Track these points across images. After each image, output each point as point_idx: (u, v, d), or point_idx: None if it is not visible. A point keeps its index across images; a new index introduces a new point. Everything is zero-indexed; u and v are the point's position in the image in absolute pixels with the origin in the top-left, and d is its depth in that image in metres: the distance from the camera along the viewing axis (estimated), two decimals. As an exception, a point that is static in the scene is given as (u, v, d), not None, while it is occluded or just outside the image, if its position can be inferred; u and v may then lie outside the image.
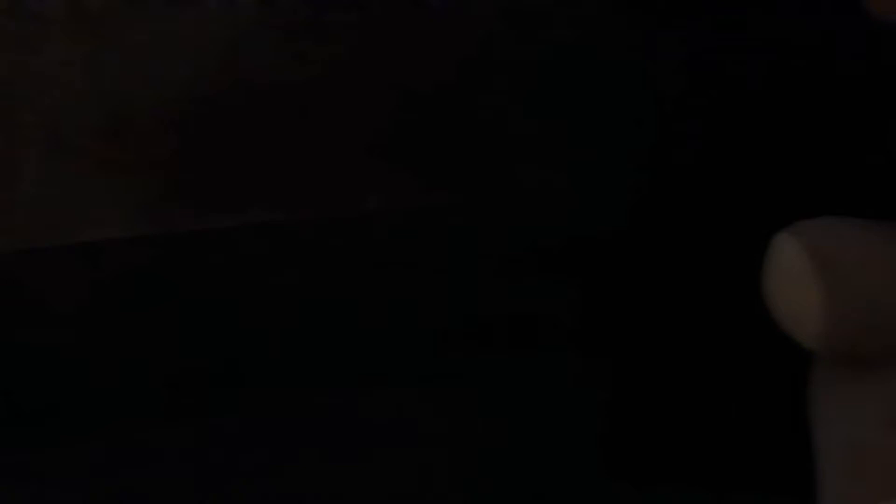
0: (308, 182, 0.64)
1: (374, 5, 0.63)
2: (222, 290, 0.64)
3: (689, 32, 0.59)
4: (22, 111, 0.59)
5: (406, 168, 0.64)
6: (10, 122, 0.60)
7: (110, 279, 0.62)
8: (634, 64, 0.61)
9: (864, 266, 0.51)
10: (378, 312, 0.68)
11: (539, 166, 0.65)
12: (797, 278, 0.52)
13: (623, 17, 0.61)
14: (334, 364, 0.68)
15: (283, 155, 0.63)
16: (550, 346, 0.66)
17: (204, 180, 0.62)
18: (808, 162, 0.60)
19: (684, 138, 0.60)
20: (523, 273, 0.67)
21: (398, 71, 0.63)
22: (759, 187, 0.60)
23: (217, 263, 0.64)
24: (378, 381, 0.69)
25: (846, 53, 0.57)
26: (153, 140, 0.60)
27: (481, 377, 0.68)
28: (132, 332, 0.64)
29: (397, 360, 0.69)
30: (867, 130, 0.52)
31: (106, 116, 0.59)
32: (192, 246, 0.63)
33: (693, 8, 0.58)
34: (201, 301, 0.65)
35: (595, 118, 0.63)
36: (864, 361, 0.53)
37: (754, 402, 0.59)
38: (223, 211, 0.62)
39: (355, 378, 0.68)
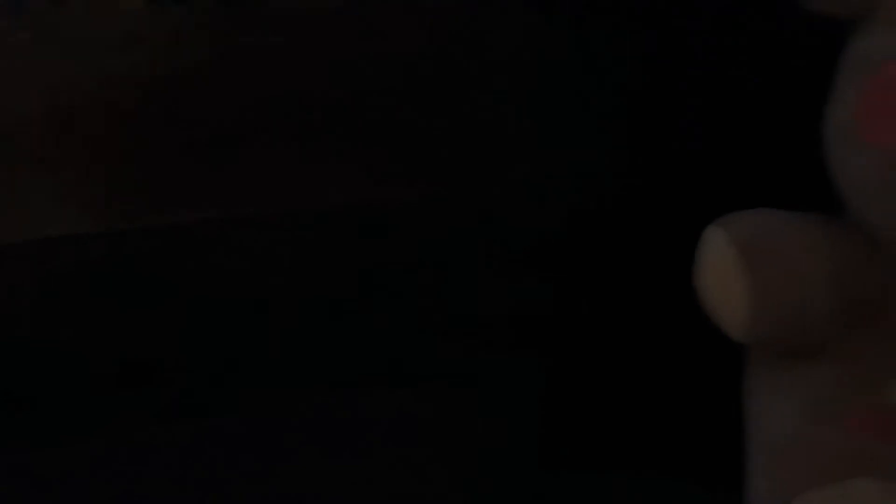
0: (267, 177, 0.64)
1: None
2: (169, 290, 0.65)
3: (649, 30, 0.57)
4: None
5: (369, 163, 0.64)
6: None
7: (58, 276, 0.63)
8: (600, 61, 0.59)
9: (788, 258, 0.50)
10: (361, 310, 0.67)
11: (512, 162, 0.64)
12: (723, 270, 0.50)
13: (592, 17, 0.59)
14: (319, 364, 0.68)
15: (242, 150, 0.63)
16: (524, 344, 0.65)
17: (158, 176, 0.63)
18: (751, 155, 0.57)
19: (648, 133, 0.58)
20: (500, 270, 0.66)
21: (354, 63, 0.63)
22: (707, 182, 0.58)
23: (171, 260, 0.65)
24: (367, 380, 0.69)
25: (782, 47, 0.55)
26: (96, 137, 0.61)
27: (474, 376, 0.68)
28: (79, 327, 0.65)
29: (387, 360, 0.68)
30: (802, 124, 0.50)
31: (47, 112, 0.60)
32: (155, 241, 0.64)
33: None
34: (151, 299, 0.66)
35: (563, 112, 0.62)
36: (792, 353, 0.51)
37: (705, 394, 0.57)
38: (180, 206, 0.63)
39: (338, 378, 0.68)
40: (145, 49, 0.59)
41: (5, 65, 0.59)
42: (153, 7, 0.60)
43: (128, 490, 0.65)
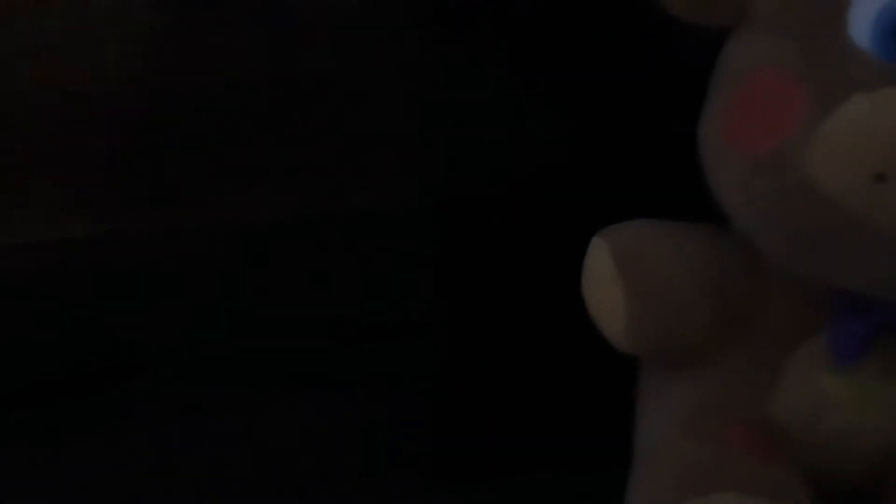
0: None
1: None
2: (107, 296, 0.67)
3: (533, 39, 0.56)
4: None
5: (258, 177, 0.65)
6: None
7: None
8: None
9: (666, 268, 0.50)
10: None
11: (393, 170, 0.64)
12: (603, 280, 0.50)
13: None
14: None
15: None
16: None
17: (99, 185, 0.64)
18: (639, 163, 0.57)
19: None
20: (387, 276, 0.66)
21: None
22: (595, 192, 0.57)
23: (105, 269, 0.66)
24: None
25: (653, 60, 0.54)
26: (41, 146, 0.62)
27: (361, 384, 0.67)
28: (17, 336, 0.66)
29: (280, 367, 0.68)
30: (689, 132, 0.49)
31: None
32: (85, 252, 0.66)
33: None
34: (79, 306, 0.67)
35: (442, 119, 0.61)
36: (674, 363, 0.51)
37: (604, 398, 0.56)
38: (118, 217, 0.65)
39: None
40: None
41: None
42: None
43: (108, 490, 0.67)
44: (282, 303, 0.65)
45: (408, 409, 0.63)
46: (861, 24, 0.44)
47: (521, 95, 0.56)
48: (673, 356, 0.51)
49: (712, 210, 0.49)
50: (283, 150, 0.63)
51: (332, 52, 0.61)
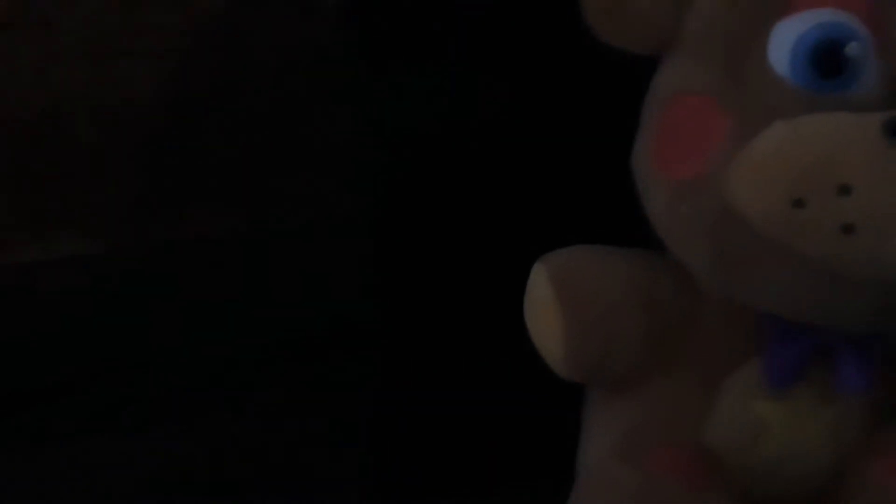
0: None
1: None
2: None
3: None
4: None
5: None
6: None
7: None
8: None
9: (603, 295, 0.50)
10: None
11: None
12: (542, 307, 0.51)
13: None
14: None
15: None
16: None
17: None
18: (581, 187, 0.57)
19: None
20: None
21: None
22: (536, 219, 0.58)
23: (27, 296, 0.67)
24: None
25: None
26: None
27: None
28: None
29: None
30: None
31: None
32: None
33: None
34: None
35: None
36: (614, 387, 0.51)
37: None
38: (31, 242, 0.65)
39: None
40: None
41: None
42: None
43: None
44: (221, 317, 0.66)
45: (349, 426, 0.63)
46: (780, 53, 0.44)
47: (463, 113, 0.56)
48: (610, 381, 0.52)
49: (651, 234, 0.50)
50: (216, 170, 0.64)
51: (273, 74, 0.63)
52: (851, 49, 0.43)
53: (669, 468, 0.48)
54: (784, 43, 0.44)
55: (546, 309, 0.50)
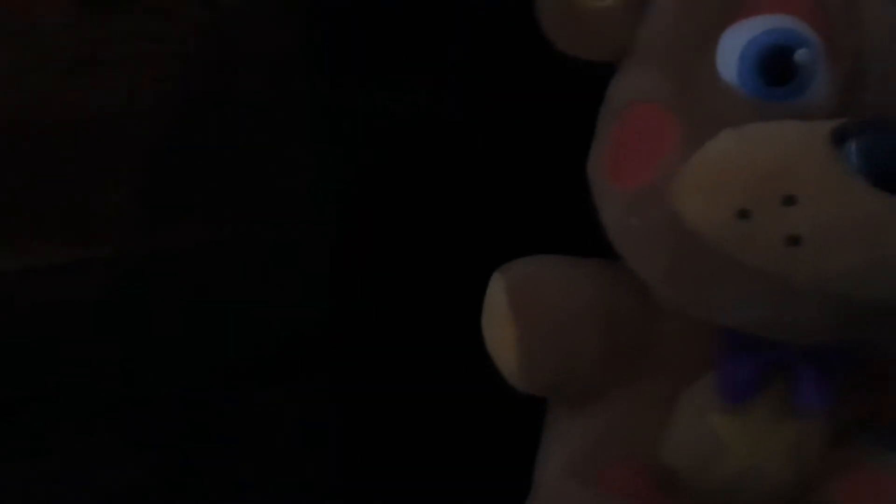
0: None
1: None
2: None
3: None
4: None
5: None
6: None
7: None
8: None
9: (559, 308, 0.49)
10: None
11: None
12: (498, 318, 0.50)
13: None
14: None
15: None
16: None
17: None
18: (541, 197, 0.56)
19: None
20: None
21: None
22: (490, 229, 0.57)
23: None
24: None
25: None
26: None
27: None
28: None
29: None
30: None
31: None
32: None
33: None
34: None
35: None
36: (572, 402, 0.50)
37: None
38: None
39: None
40: None
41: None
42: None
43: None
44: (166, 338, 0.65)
45: (304, 450, 0.63)
46: (728, 60, 0.43)
47: (423, 124, 0.56)
48: (567, 394, 0.51)
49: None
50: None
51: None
52: (800, 55, 0.42)
53: (623, 487, 0.47)
54: (732, 50, 0.43)
55: (502, 321, 0.49)
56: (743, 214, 0.41)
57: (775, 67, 0.42)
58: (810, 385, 0.46)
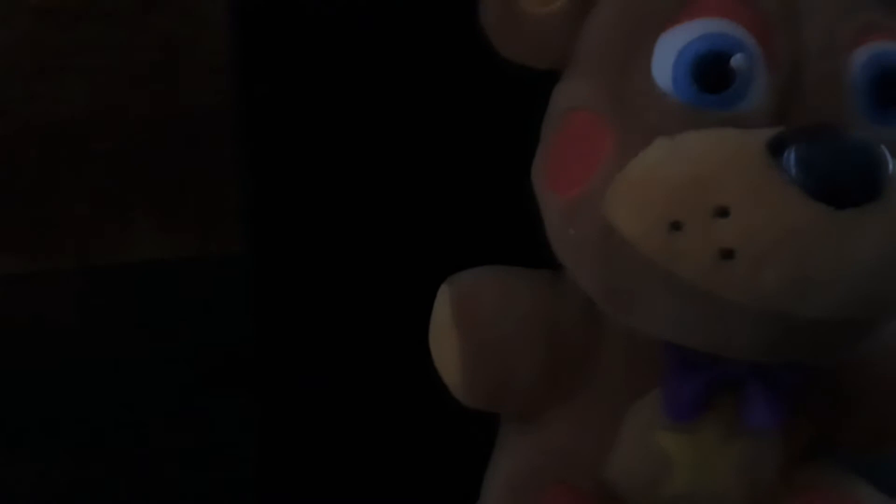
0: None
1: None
2: None
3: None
4: None
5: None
6: None
7: None
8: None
9: (502, 322, 0.48)
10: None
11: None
12: (442, 330, 0.49)
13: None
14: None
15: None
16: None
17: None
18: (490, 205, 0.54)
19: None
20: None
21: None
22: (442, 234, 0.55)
23: None
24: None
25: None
26: None
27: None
28: None
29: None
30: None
31: None
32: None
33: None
34: None
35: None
36: (518, 416, 0.49)
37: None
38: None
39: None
40: None
41: None
42: None
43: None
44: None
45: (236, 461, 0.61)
46: (663, 66, 0.41)
47: (365, 137, 0.54)
48: (509, 410, 0.49)
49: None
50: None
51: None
52: (736, 61, 0.40)
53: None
54: (667, 55, 0.41)
55: (445, 333, 0.48)
56: (675, 226, 0.40)
57: (711, 73, 0.40)
58: (759, 403, 0.45)
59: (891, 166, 0.39)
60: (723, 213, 0.39)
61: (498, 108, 0.53)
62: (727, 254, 0.39)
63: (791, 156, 0.39)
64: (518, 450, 0.49)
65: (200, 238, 0.65)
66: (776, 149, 0.39)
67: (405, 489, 0.57)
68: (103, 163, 0.65)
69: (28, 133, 0.64)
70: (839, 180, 0.38)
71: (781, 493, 0.47)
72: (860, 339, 0.43)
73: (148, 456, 0.63)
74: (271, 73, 0.54)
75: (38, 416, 0.65)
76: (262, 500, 0.59)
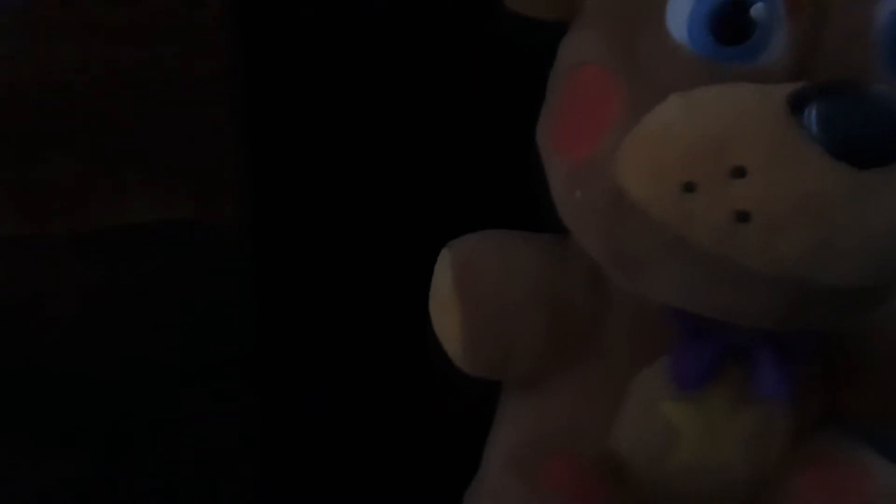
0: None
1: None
2: None
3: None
4: None
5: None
6: None
7: None
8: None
9: (505, 290, 0.45)
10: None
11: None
12: (443, 299, 0.47)
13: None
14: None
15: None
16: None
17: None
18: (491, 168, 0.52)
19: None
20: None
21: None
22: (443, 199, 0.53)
23: None
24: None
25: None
26: None
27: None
28: None
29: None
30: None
31: None
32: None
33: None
34: None
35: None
36: (521, 384, 0.47)
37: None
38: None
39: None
40: None
41: None
42: None
43: None
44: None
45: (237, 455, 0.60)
46: (678, 16, 0.39)
47: (363, 101, 0.52)
48: (512, 378, 0.47)
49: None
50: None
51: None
52: (757, 10, 0.38)
53: (562, 481, 0.43)
54: (682, 4, 0.39)
55: (446, 302, 0.46)
56: (688, 188, 0.37)
57: (729, 24, 0.38)
58: (770, 372, 0.43)
59: (917, 125, 0.37)
60: (739, 173, 0.37)
61: (502, 74, 0.51)
62: (743, 217, 0.37)
63: (812, 113, 0.36)
64: (520, 418, 0.47)
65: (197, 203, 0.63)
66: (797, 105, 0.37)
67: (406, 488, 0.55)
68: (97, 125, 0.63)
69: (18, 94, 0.62)
70: (863, 139, 0.36)
71: (787, 466, 0.45)
72: (876, 305, 0.41)
73: (147, 456, 0.62)
74: (270, 39, 0.52)
75: (34, 414, 0.63)
76: (261, 500, 0.57)
